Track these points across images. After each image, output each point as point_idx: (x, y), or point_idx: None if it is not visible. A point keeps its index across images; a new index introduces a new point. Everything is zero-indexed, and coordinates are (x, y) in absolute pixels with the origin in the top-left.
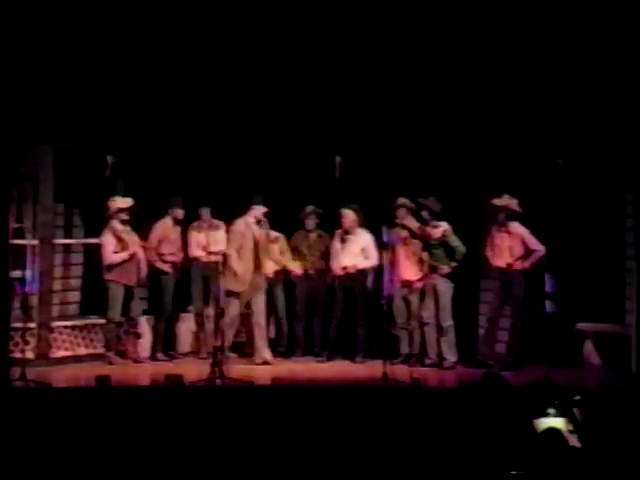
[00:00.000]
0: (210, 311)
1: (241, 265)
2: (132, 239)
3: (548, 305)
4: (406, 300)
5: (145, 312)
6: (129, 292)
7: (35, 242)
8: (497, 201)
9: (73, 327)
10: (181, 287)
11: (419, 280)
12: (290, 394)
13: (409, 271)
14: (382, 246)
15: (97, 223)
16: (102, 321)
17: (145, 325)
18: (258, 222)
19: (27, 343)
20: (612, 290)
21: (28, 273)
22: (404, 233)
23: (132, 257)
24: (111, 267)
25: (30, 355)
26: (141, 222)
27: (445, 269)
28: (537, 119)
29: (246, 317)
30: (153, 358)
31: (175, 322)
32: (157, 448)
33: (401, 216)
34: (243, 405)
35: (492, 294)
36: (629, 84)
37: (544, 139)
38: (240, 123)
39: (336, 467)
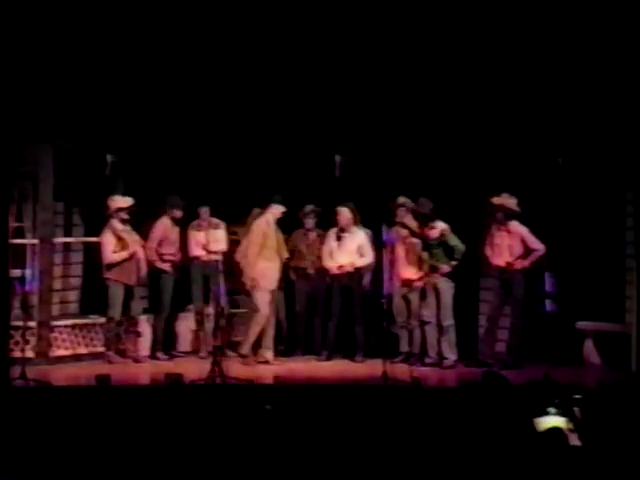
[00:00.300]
0: (210, 310)
1: (267, 263)
2: (132, 238)
3: (548, 304)
4: (406, 299)
5: (145, 311)
6: (129, 291)
7: (35, 241)
8: (496, 200)
9: (73, 326)
10: (181, 286)
11: (419, 279)
12: (290, 393)
13: (409, 270)
14: (382, 245)
15: (97, 222)
16: (102, 320)
17: (145, 324)
18: (277, 223)
19: (27, 342)
20: (612, 289)
21: (28, 272)
22: (404, 232)
23: (132, 256)
24: (111, 266)
25: (30, 354)
26: (141, 221)
27: (445, 268)
28: (537, 118)
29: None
30: (153, 357)
31: (175, 321)
32: (157, 447)
33: (401, 215)
34: (243, 404)
35: (492, 293)
36: (629, 84)
37: (544, 138)
38: (240, 122)
39: (336, 467)
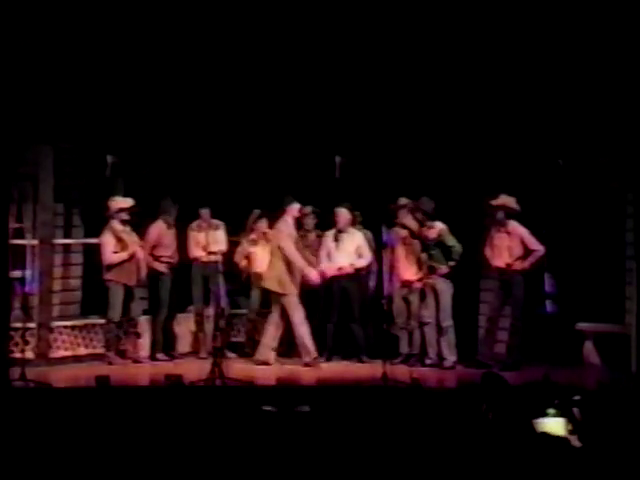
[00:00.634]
0: (210, 311)
1: (291, 267)
2: (132, 239)
3: (548, 305)
4: (406, 300)
5: (145, 312)
6: (129, 292)
7: (35, 242)
8: (494, 201)
9: (73, 327)
10: (179, 287)
11: (418, 280)
12: (290, 394)
13: (408, 271)
14: (382, 246)
15: (97, 223)
16: (102, 321)
17: (145, 325)
18: (296, 222)
19: (27, 343)
20: (612, 290)
21: (28, 273)
22: (403, 233)
23: (132, 257)
24: (111, 267)
25: (30, 355)
26: (141, 222)
27: (443, 269)
28: (537, 119)
29: (244, 316)
30: (153, 358)
31: (174, 322)
32: (157, 448)
33: (402, 216)
34: (243, 405)
35: (492, 294)
36: (629, 84)
37: (544, 139)
38: (240, 123)
39: (336, 467)
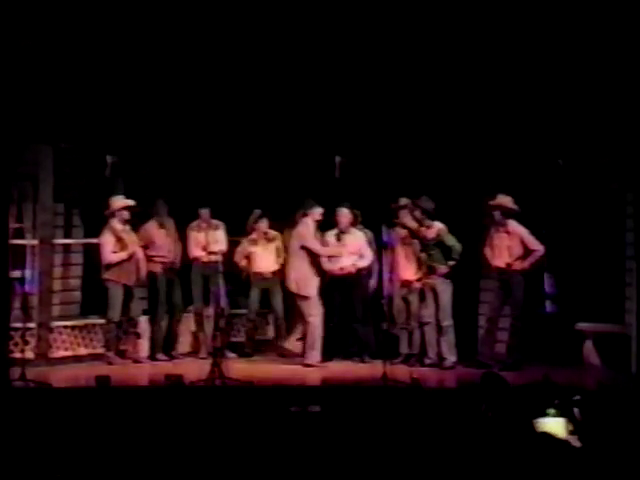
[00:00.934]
0: (210, 311)
1: (310, 268)
2: (131, 239)
3: (548, 305)
4: (405, 300)
5: (145, 312)
6: (129, 292)
7: (35, 242)
8: (492, 201)
9: (73, 327)
10: (173, 287)
11: (418, 280)
12: (290, 394)
13: (408, 271)
14: (382, 246)
15: (97, 223)
16: (102, 321)
17: (145, 325)
18: (317, 224)
19: (27, 343)
20: (612, 290)
21: (28, 273)
22: (403, 233)
23: (131, 257)
24: (110, 266)
25: (30, 355)
26: (141, 222)
27: (443, 269)
28: (537, 119)
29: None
30: (153, 358)
31: (175, 322)
32: (157, 448)
33: (402, 216)
34: (243, 405)
35: (492, 294)
36: (629, 84)
37: (544, 139)
38: (240, 123)
39: (336, 467)
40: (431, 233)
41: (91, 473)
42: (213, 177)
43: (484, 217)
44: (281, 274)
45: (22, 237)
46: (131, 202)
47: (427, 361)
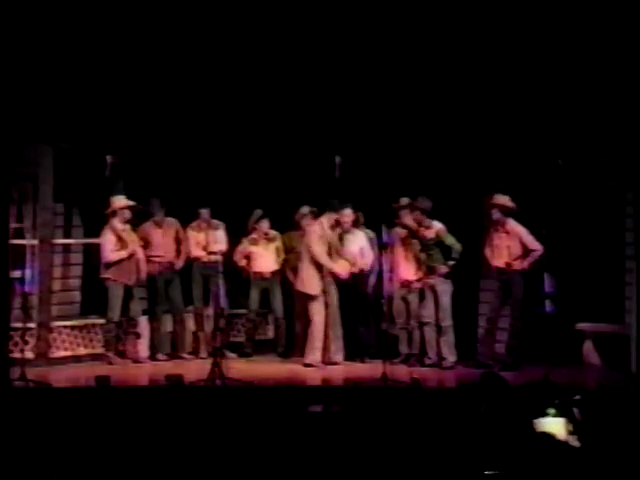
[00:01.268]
0: (210, 311)
1: (316, 268)
2: (132, 238)
3: (548, 305)
4: (405, 300)
5: (145, 312)
6: (129, 292)
7: (35, 242)
8: (489, 200)
9: (73, 327)
10: (173, 287)
11: (418, 280)
12: (290, 394)
13: (408, 271)
14: (382, 246)
15: (97, 223)
16: (102, 321)
17: (145, 325)
18: (333, 225)
19: (27, 343)
20: (612, 290)
21: (28, 273)
22: (403, 233)
23: (131, 256)
24: (109, 265)
25: (30, 355)
26: (141, 222)
27: (443, 269)
28: (536, 119)
29: (244, 316)
30: (153, 358)
31: (178, 322)
32: (157, 448)
33: (403, 216)
34: (243, 405)
35: (492, 294)
36: (629, 84)
37: (544, 139)
38: (240, 123)
39: (336, 467)
40: (430, 233)
41: (91, 473)
42: (213, 177)
43: (484, 217)
44: (281, 274)
45: (22, 237)
46: (131, 202)
47: (427, 361)
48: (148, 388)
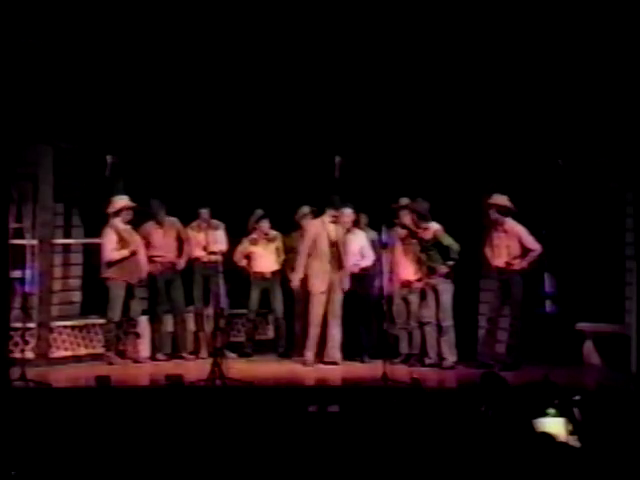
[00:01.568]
0: (210, 311)
1: (318, 265)
2: (133, 238)
3: (548, 305)
4: (405, 300)
5: (145, 312)
6: (130, 291)
7: (35, 242)
8: (487, 200)
9: (73, 327)
10: (174, 287)
11: (418, 280)
12: (290, 394)
13: (408, 271)
14: (382, 246)
15: (97, 223)
16: (102, 321)
17: (145, 325)
18: (334, 222)
19: (27, 343)
20: (612, 290)
21: (28, 273)
22: (403, 233)
23: (133, 255)
24: (111, 264)
25: (30, 355)
26: (141, 222)
27: (443, 269)
28: (536, 119)
29: (244, 316)
30: (153, 358)
31: (180, 322)
32: (157, 448)
33: (402, 216)
34: (243, 405)
35: (492, 294)
36: (629, 84)
37: (544, 139)
38: (240, 123)
39: (336, 467)
40: (428, 234)
41: (91, 473)
42: (213, 177)
43: (484, 217)
44: (281, 274)
45: (22, 237)
46: (134, 204)
47: (427, 361)
48: (148, 388)
